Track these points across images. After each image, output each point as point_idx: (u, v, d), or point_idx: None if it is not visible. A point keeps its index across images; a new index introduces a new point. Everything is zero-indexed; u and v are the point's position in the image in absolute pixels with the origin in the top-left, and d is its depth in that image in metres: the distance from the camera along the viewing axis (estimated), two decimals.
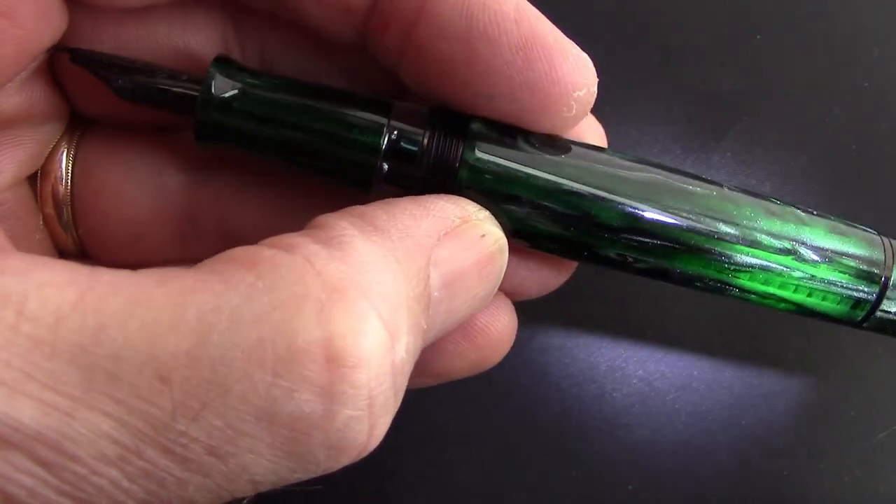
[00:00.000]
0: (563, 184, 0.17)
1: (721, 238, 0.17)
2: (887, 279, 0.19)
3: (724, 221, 0.17)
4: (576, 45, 0.17)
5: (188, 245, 0.20)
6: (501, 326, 0.19)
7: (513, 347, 0.20)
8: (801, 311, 0.19)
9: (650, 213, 0.17)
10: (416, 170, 0.17)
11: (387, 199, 0.16)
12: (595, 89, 0.17)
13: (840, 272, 0.18)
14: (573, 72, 0.17)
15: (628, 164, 0.18)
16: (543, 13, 0.17)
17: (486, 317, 0.19)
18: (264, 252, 0.13)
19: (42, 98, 0.18)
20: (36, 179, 0.19)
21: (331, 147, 0.17)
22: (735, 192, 0.18)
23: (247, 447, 0.12)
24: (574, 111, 0.17)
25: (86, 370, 0.11)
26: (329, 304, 0.12)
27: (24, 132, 0.18)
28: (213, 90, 0.17)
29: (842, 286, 0.18)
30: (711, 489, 0.29)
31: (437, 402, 0.28)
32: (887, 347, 0.30)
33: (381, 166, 0.17)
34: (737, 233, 0.17)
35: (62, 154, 0.19)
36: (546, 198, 0.17)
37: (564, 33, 0.17)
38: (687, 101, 0.31)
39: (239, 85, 0.17)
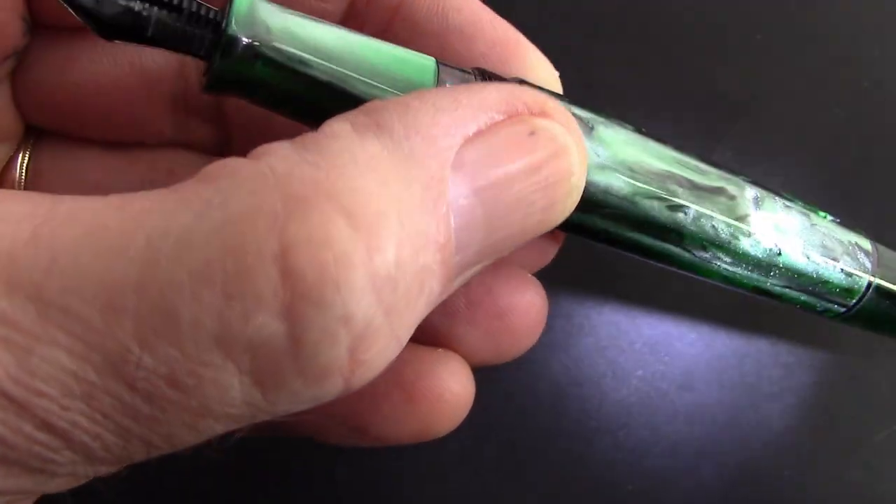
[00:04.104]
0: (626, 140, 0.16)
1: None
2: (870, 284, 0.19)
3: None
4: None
5: None
6: (450, 395, 0.17)
7: None
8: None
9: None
10: None
11: (420, 91, 0.13)
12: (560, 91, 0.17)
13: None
14: (546, 68, 0.17)
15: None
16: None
17: (432, 380, 0.17)
18: (229, 164, 0.12)
19: (2, 114, 0.18)
20: None
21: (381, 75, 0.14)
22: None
23: (210, 377, 0.11)
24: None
25: (41, 306, 0.10)
26: (285, 213, 0.11)
27: None
28: (238, 31, 0.13)
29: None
30: (711, 489, 0.29)
31: None
32: (887, 348, 0.30)
33: None
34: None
35: (17, 165, 0.19)
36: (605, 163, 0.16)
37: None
38: (687, 101, 0.31)
39: (273, 24, 0.13)
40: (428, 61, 0.15)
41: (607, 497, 0.28)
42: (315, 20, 0.14)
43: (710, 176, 0.17)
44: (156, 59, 0.18)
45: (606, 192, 0.16)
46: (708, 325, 0.30)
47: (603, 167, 0.16)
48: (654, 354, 0.29)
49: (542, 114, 0.14)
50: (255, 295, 0.11)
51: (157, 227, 0.11)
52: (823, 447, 0.30)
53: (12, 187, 0.19)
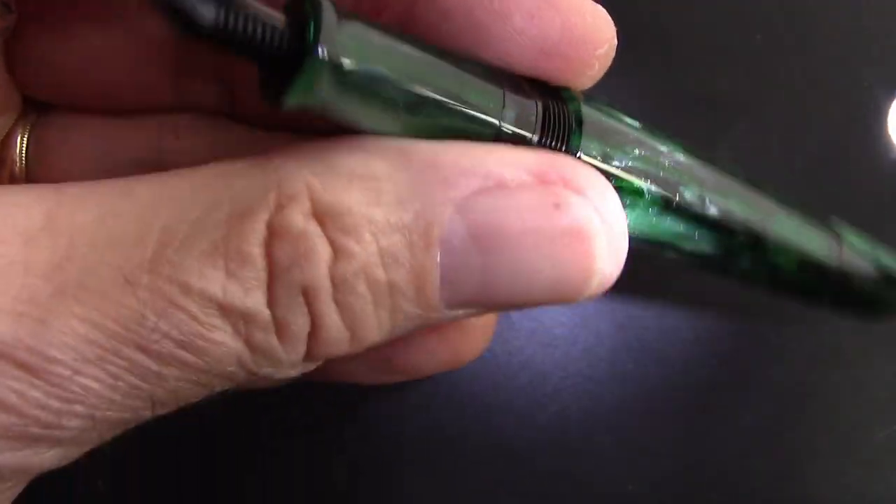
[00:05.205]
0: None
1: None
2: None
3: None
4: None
5: None
6: (475, 320, 0.18)
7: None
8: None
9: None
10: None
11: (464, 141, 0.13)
12: (615, 40, 0.16)
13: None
14: (591, 31, 0.15)
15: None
16: None
17: None
18: (246, 162, 0.13)
19: None
20: None
21: (447, 121, 0.13)
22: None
23: (216, 339, 0.12)
24: (596, 69, 0.16)
25: (59, 283, 0.12)
26: (276, 207, 0.12)
27: None
28: (326, 51, 0.11)
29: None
30: (711, 489, 0.29)
31: (435, 402, 0.28)
32: (887, 347, 0.30)
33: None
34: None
35: (17, 141, 0.19)
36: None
37: None
38: (687, 101, 0.31)
39: (360, 45, 0.12)
40: (497, 95, 0.14)
41: (607, 497, 0.28)
42: (385, 34, 0.13)
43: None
44: (155, 24, 0.18)
45: None
46: (708, 325, 0.30)
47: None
48: (655, 356, 0.29)
49: (578, 191, 0.13)
50: (250, 276, 0.12)
51: (172, 217, 0.12)
52: (823, 447, 0.30)
53: (13, 163, 0.19)
